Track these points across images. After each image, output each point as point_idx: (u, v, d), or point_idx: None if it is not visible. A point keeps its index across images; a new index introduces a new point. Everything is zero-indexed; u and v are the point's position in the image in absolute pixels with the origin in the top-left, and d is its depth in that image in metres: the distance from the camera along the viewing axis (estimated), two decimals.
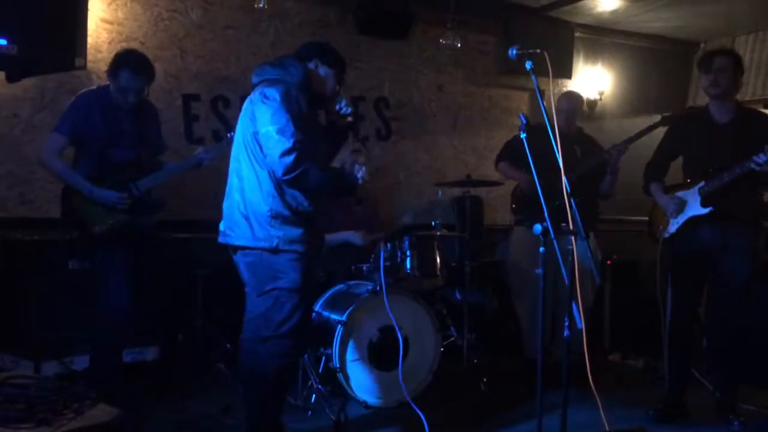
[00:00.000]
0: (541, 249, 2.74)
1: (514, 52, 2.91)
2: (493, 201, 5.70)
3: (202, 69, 4.90)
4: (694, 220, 3.74)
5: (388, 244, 3.87)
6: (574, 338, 2.82)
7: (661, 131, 4.10)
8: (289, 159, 2.83)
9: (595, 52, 6.40)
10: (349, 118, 3.24)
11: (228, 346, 4.23)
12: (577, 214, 2.78)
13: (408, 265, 3.90)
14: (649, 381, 4.64)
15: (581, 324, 2.75)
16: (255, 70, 3.11)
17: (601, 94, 6.39)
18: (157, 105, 4.10)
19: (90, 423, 2.12)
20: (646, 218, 4.11)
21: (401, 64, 5.65)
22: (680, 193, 3.82)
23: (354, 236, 4.21)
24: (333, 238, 4.10)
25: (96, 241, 3.51)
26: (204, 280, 4.38)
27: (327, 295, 4.01)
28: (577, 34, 6.19)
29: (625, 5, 5.71)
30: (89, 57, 4.22)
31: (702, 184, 3.71)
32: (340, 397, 3.68)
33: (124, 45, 4.47)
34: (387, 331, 3.70)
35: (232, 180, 3.07)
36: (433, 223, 4.21)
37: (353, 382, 3.68)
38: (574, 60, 6.16)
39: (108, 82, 3.58)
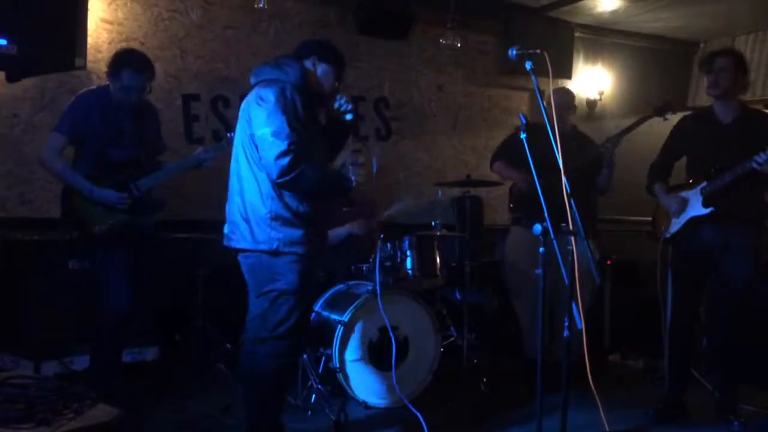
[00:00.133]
0: (541, 249, 2.74)
1: (514, 52, 2.92)
2: (493, 201, 5.69)
3: (202, 69, 4.90)
4: (695, 220, 3.74)
5: (388, 244, 3.86)
6: (574, 338, 2.82)
7: (659, 126, 4.10)
8: (284, 161, 2.80)
9: (595, 52, 6.40)
10: (350, 115, 3.16)
11: (228, 346, 4.24)
12: (577, 214, 2.78)
13: (408, 265, 3.90)
14: (649, 381, 4.63)
15: (581, 324, 2.75)
16: (253, 70, 3.10)
17: (601, 94, 6.38)
18: (157, 105, 4.10)
19: (90, 423, 2.12)
20: (646, 218, 4.11)
21: (401, 64, 5.64)
22: (683, 193, 3.82)
23: (353, 228, 4.24)
24: (334, 234, 4.11)
25: (96, 241, 3.51)
26: (204, 280, 4.38)
27: (327, 295, 4.01)
28: (577, 34, 6.18)
29: (625, 5, 5.70)
30: (89, 57, 4.23)
31: (704, 184, 3.70)
32: (340, 398, 3.67)
33: (124, 45, 4.47)
34: (387, 332, 3.70)
35: (233, 182, 3.06)
36: (433, 223, 4.21)
37: (353, 383, 3.67)
38: (574, 60, 6.15)
39: (107, 82, 3.59)
